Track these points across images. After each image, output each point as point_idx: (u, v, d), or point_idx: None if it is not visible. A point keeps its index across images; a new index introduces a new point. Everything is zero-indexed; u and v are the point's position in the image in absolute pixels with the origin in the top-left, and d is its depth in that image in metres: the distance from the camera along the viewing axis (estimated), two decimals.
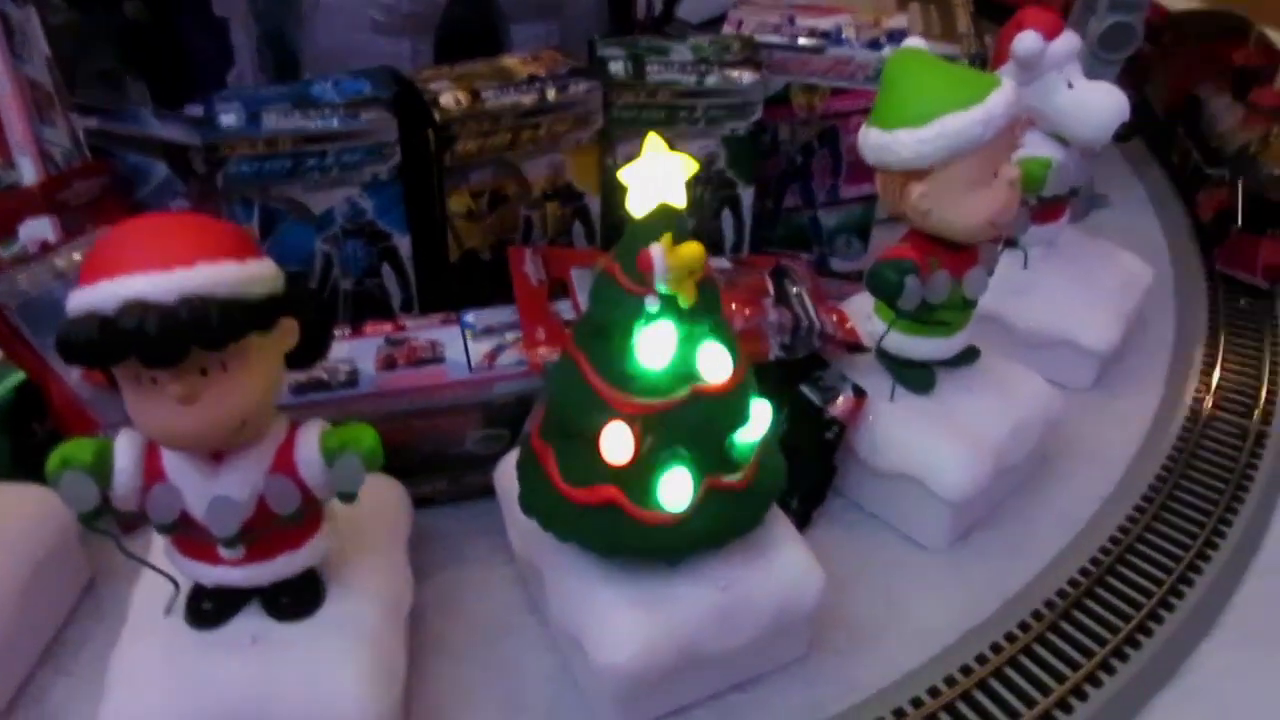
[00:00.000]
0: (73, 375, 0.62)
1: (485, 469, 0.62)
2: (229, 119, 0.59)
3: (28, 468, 0.57)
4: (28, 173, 0.74)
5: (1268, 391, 0.75)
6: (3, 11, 0.72)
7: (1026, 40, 0.68)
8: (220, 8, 0.65)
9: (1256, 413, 0.73)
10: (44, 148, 0.75)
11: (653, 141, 0.45)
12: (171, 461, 0.45)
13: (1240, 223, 0.85)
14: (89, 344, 0.40)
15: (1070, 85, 0.70)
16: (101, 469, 0.44)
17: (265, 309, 0.43)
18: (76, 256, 0.63)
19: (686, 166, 0.45)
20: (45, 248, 0.62)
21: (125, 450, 0.45)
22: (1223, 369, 0.78)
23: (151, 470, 0.45)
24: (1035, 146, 0.72)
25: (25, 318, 0.60)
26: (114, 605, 0.58)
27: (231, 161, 0.59)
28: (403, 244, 0.65)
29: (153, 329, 0.40)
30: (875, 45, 0.71)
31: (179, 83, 0.65)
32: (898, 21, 0.73)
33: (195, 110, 0.62)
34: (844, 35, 0.71)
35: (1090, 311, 0.73)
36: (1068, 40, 0.70)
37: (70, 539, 0.58)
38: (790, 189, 0.77)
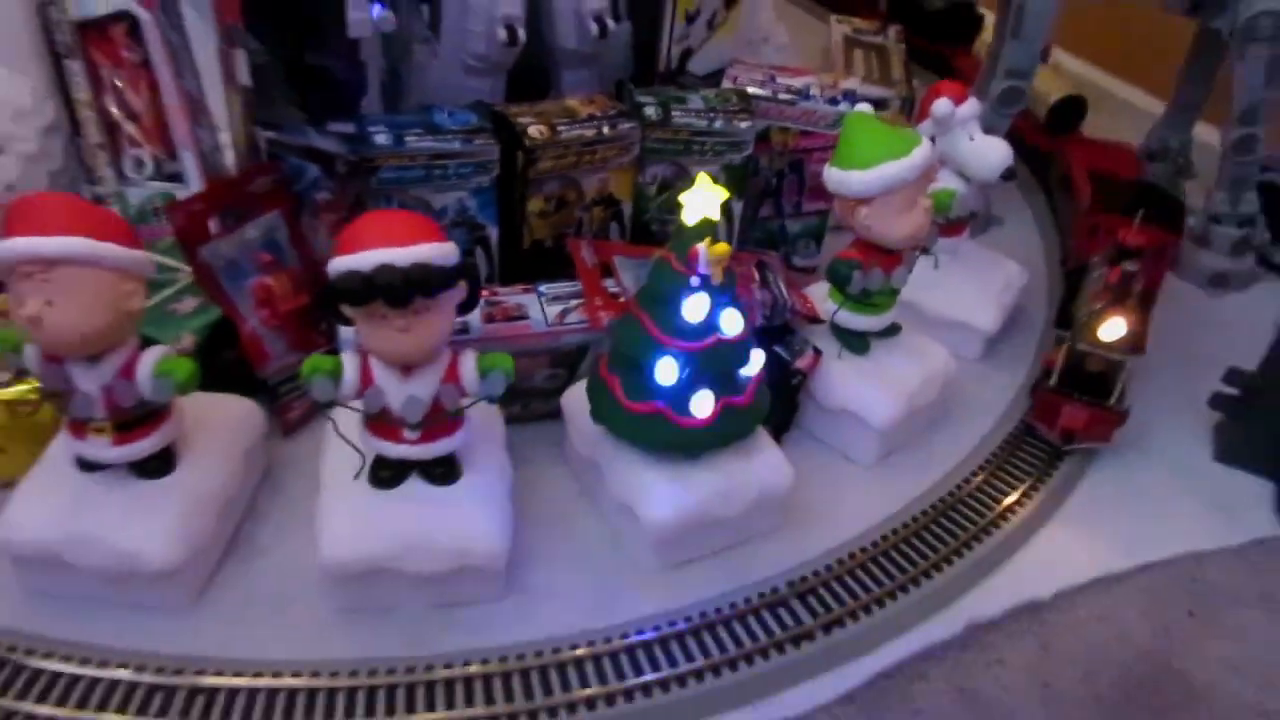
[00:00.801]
0: (252, 318, 0.84)
1: (548, 400, 0.87)
2: (381, 138, 0.82)
3: (220, 383, 0.81)
4: (189, 164, 0.96)
5: None
6: (169, 39, 0.94)
7: (940, 105, 0.95)
8: (362, 53, 0.87)
9: None
10: (199, 145, 0.97)
11: (703, 179, 0.70)
12: (379, 371, 0.69)
13: (1054, 381, 0.90)
14: (353, 290, 0.64)
15: (971, 138, 0.97)
16: (336, 375, 0.68)
17: (454, 273, 0.67)
18: (253, 232, 0.86)
19: (721, 196, 0.70)
20: (229, 227, 0.85)
21: (350, 364, 0.68)
22: None
23: (365, 377, 0.69)
24: (945, 180, 0.99)
25: (225, 274, 0.82)
26: (286, 484, 0.82)
27: (383, 170, 0.82)
28: (493, 233, 0.89)
29: (397, 282, 0.63)
30: (834, 101, 0.97)
31: (327, 105, 0.88)
32: (850, 83, 0.99)
33: (347, 127, 0.85)
34: (810, 92, 0.97)
35: (979, 302, 1.00)
36: (970, 105, 0.97)
37: (260, 435, 0.81)
38: (765, 203, 1.03)
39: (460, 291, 0.69)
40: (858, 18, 1.54)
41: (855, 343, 0.89)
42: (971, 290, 1.01)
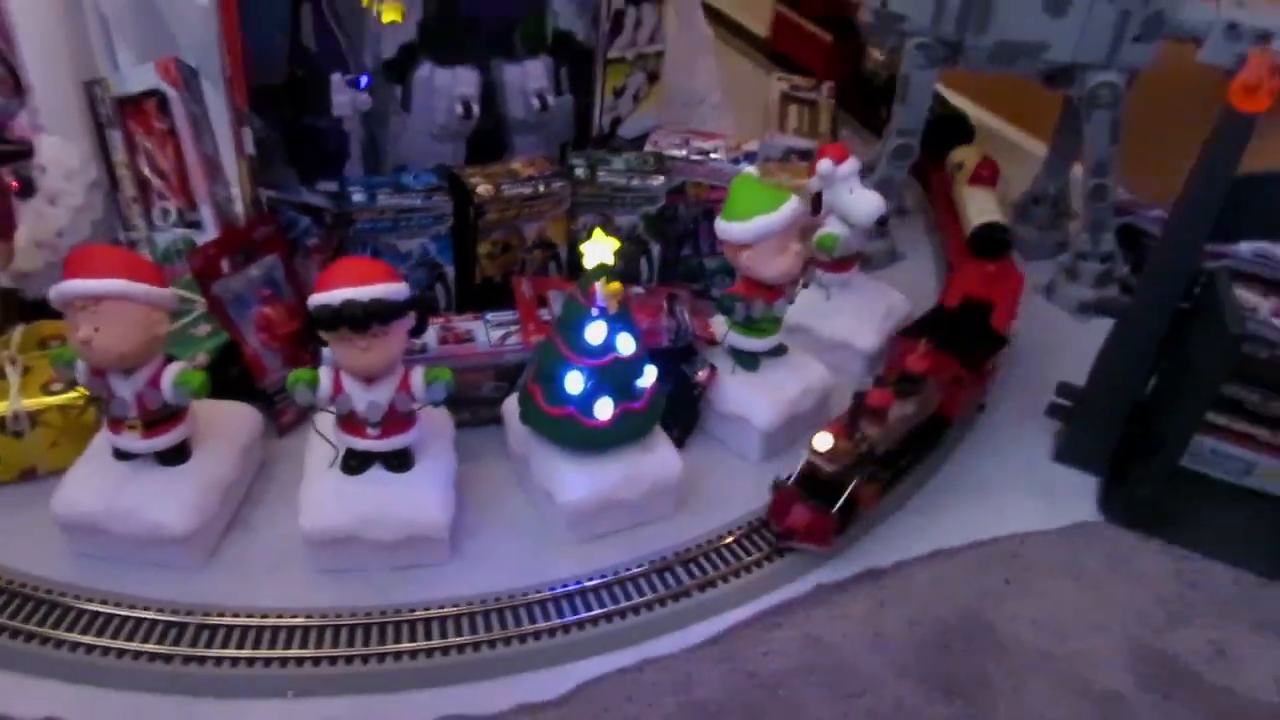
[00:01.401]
0: (253, 340, 1.05)
1: (493, 407, 1.06)
2: (358, 196, 1.03)
3: (228, 392, 1.01)
4: (206, 214, 1.17)
5: None
6: (191, 111, 1.15)
7: (822, 164, 1.15)
8: (346, 125, 1.08)
9: None
10: (215, 198, 1.18)
11: (598, 233, 0.90)
12: (347, 382, 0.89)
13: (790, 479, 0.96)
14: (325, 319, 0.84)
15: (851, 191, 1.17)
16: (313, 385, 0.88)
17: (404, 306, 0.87)
18: (255, 271, 1.06)
19: (614, 245, 0.90)
20: (237, 267, 1.05)
21: (325, 376, 0.89)
22: None
23: (337, 386, 0.89)
24: (831, 226, 1.18)
25: (232, 305, 1.03)
26: (280, 473, 1.02)
27: (360, 221, 1.03)
28: (449, 271, 1.09)
29: (358, 313, 0.84)
30: (736, 161, 1.17)
31: (317, 167, 1.09)
32: (750, 145, 1.19)
33: (331, 186, 1.06)
34: (716, 154, 1.17)
35: (861, 326, 1.20)
36: (850, 164, 1.16)
37: (258, 434, 1.01)
38: (686, 244, 1.23)
39: (410, 320, 0.89)
40: (798, 75, 1.74)
41: (746, 360, 1.09)
42: (855, 316, 1.20)
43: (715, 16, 2.02)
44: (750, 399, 1.07)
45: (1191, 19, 1.16)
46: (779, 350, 1.10)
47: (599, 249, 0.89)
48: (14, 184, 1.24)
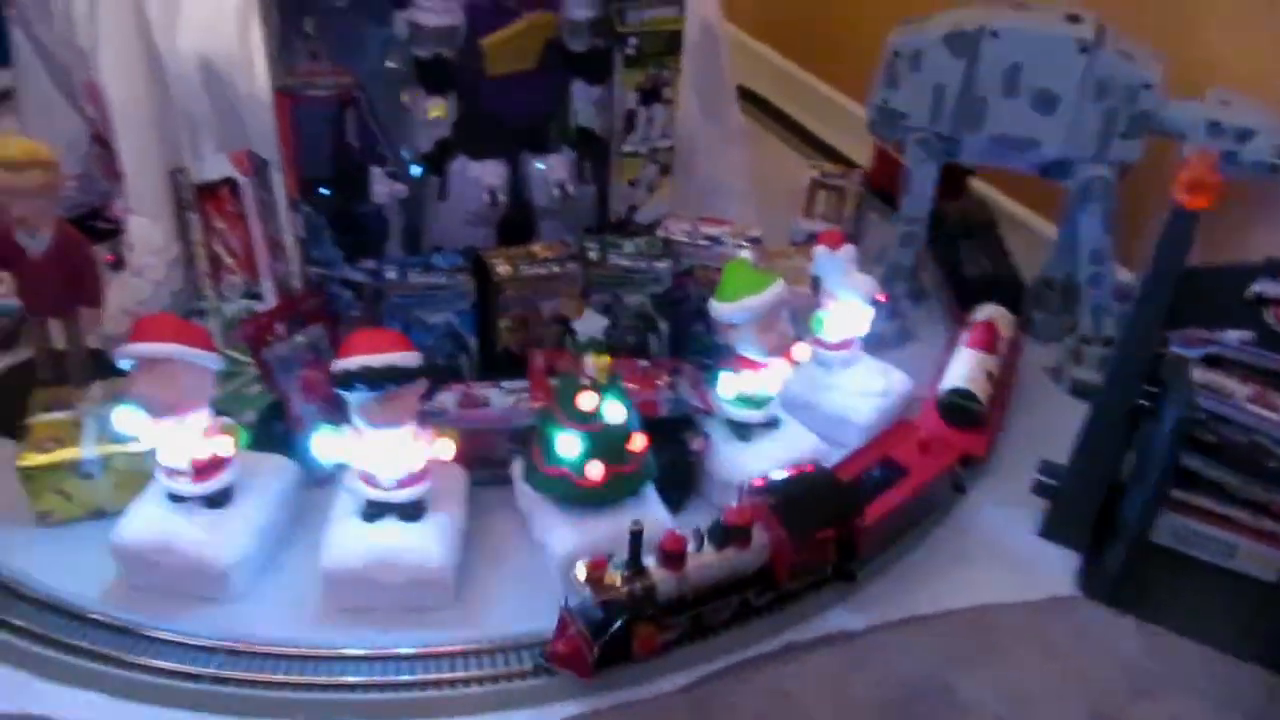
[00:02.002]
0: (296, 401, 1.18)
1: (505, 467, 1.17)
2: (391, 274, 1.16)
3: (271, 446, 1.14)
4: (268, 287, 1.31)
5: None
6: (260, 197, 1.31)
7: (819, 250, 1.24)
8: (386, 211, 1.22)
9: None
10: (276, 274, 1.32)
11: (588, 311, 1.00)
12: (366, 438, 1.01)
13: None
14: (345, 380, 0.96)
15: (846, 274, 1.25)
16: (335, 440, 1.00)
17: (416, 372, 0.99)
18: (301, 339, 1.20)
19: (603, 322, 1.00)
20: (288, 334, 1.19)
21: (347, 433, 1.01)
22: None
23: (356, 443, 1.01)
24: (828, 307, 1.27)
25: (279, 369, 1.16)
26: (313, 520, 1.13)
27: (392, 297, 1.16)
28: (472, 342, 1.21)
29: (373, 376, 0.95)
30: (740, 246, 1.26)
31: (358, 246, 1.22)
32: (754, 232, 1.29)
33: (370, 265, 1.19)
34: (723, 239, 1.27)
35: (859, 403, 1.27)
36: (846, 250, 1.25)
37: (295, 483, 1.13)
38: (698, 322, 1.32)
39: (422, 384, 1.00)
40: (829, 163, 1.84)
41: (739, 430, 1.17)
42: (853, 393, 1.28)
43: (758, 103, 2.15)
44: (741, 466, 1.15)
45: (1175, 117, 1.22)
46: (773, 423, 1.18)
47: (589, 324, 1.00)
48: (109, 258, 1.42)
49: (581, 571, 0.94)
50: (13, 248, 1.15)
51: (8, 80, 1.69)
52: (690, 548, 0.97)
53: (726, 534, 0.99)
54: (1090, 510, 1.13)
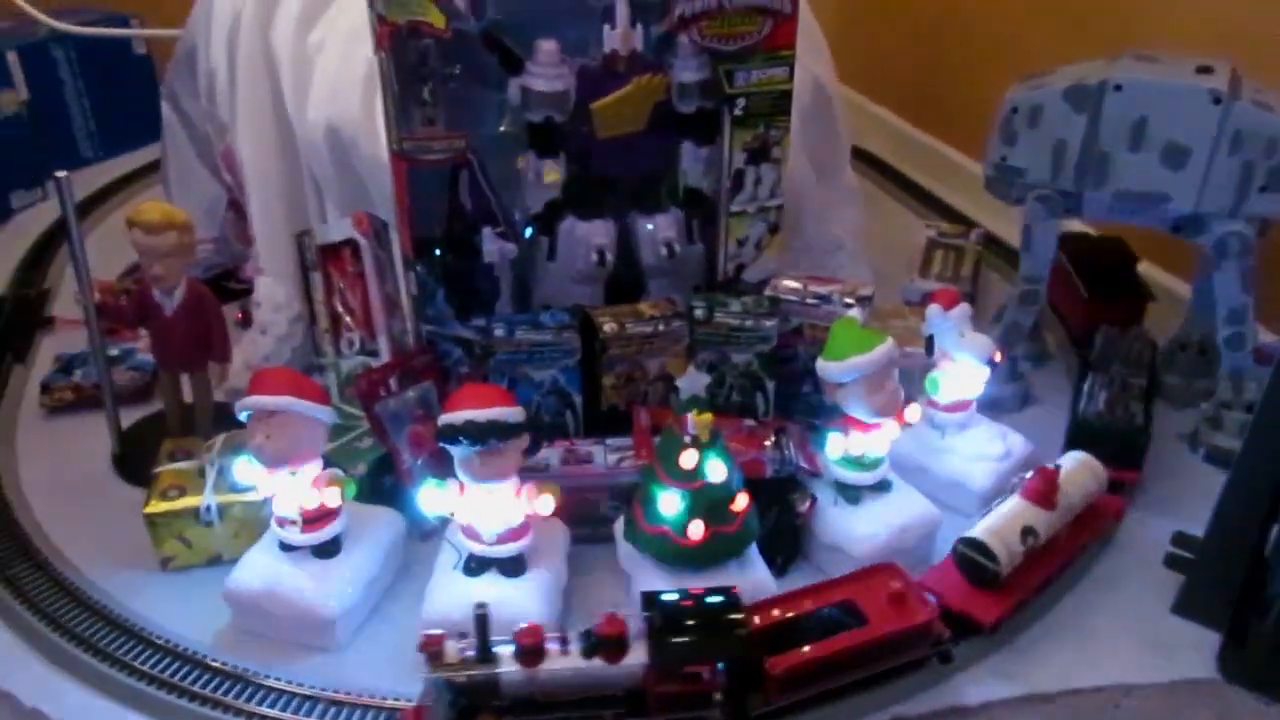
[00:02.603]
0: (405, 455, 1.20)
1: (608, 523, 1.16)
2: (499, 331, 1.18)
3: (381, 499, 1.16)
4: (383, 344, 1.35)
5: None
6: (379, 256, 1.35)
7: (932, 309, 1.20)
8: (496, 270, 1.24)
9: None
10: (391, 331, 1.36)
11: (690, 369, 0.99)
12: (469, 492, 1.01)
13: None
14: (449, 433, 0.97)
15: (961, 335, 1.21)
16: (440, 494, 1.01)
17: (519, 427, 0.99)
18: (411, 394, 1.22)
19: (705, 380, 0.99)
20: (399, 389, 1.22)
21: (451, 488, 1.02)
22: None
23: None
24: (943, 367, 1.23)
25: (390, 423, 1.19)
26: (418, 573, 1.14)
27: (499, 354, 1.18)
28: (577, 400, 1.21)
29: (477, 431, 0.96)
30: (848, 305, 1.24)
31: (472, 305, 1.24)
32: (865, 290, 1.26)
33: (480, 323, 1.21)
34: (833, 297, 1.25)
35: (976, 467, 1.22)
36: (960, 309, 1.21)
37: (401, 536, 1.15)
38: (805, 382, 1.30)
39: (525, 439, 1.01)
40: (946, 223, 1.81)
41: (848, 493, 1.14)
42: (969, 457, 1.23)
43: (879, 166, 2.13)
44: (849, 530, 1.11)
45: None
46: (883, 485, 1.15)
47: (692, 382, 0.99)
48: (239, 315, 1.49)
49: (419, 640, 0.89)
50: (150, 306, 1.22)
51: (156, 152, 1.81)
52: (554, 647, 0.89)
53: (596, 643, 0.89)
54: (1231, 586, 1.05)
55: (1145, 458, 1.24)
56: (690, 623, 0.90)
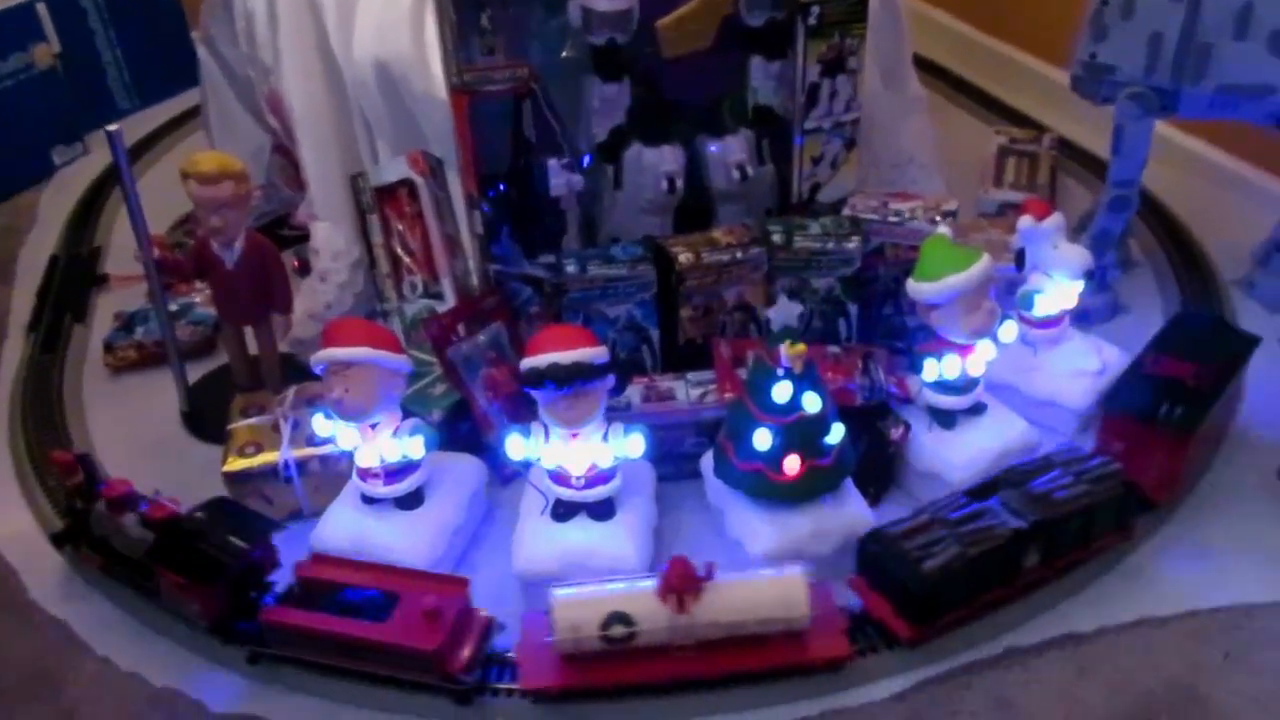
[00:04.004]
0: (480, 400, 1.17)
1: (693, 462, 1.12)
2: (571, 268, 1.13)
3: (457, 445, 1.13)
4: (447, 286, 1.31)
5: None
6: (436, 196, 1.30)
7: (1023, 221, 1.14)
8: (563, 204, 1.19)
9: None
10: (455, 272, 1.32)
11: (782, 297, 0.94)
12: (555, 436, 0.98)
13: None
14: (533, 378, 0.94)
15: (1055, 246, 1.15)
16: (526, 440, 0.98)
17: (603, 369, 0.95)
18: (483, 338, 1.19)
19: (798, 309, 0.94)
20: (469, 332, 1.18)
21: (536, 433, 0.99)
22: None
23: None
24: (1036, 282, 1.17)
25: (464, 368, 1.16)
26: (501, 518, 1.12)
27: (572, 290, 1.13)
28: (654, 335, 1.17)
29: (561, 374, 0.93)
30: (933, 221, 1.18)
31: (538, 241, 1.20)
32: (949, 205, 1.20)
33: (550, 259, 1.17)
34: (915, 214, 1.19)
35: (1071, 384, 1.17)
36: (1054, 219, 1.15)
37: (482, 483, 1.12)
38: (888, 304, 1.25)
39: (610, 381, 0.97)
40: (1016, 128, 1.72)
41: (942, 418, 1.09)
42: (1065, 373, 1.17)
43: (938, 73, 2.04)
44: (946, 457, 1.07)
45: None
46: (977, 408, 1.10)
47: (783, 312, 0.94)
48: (295, 263, 1.46)
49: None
50: (210, 259, 1.19)
51: (196, 98, 1.77)
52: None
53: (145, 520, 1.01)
54: None
55: None
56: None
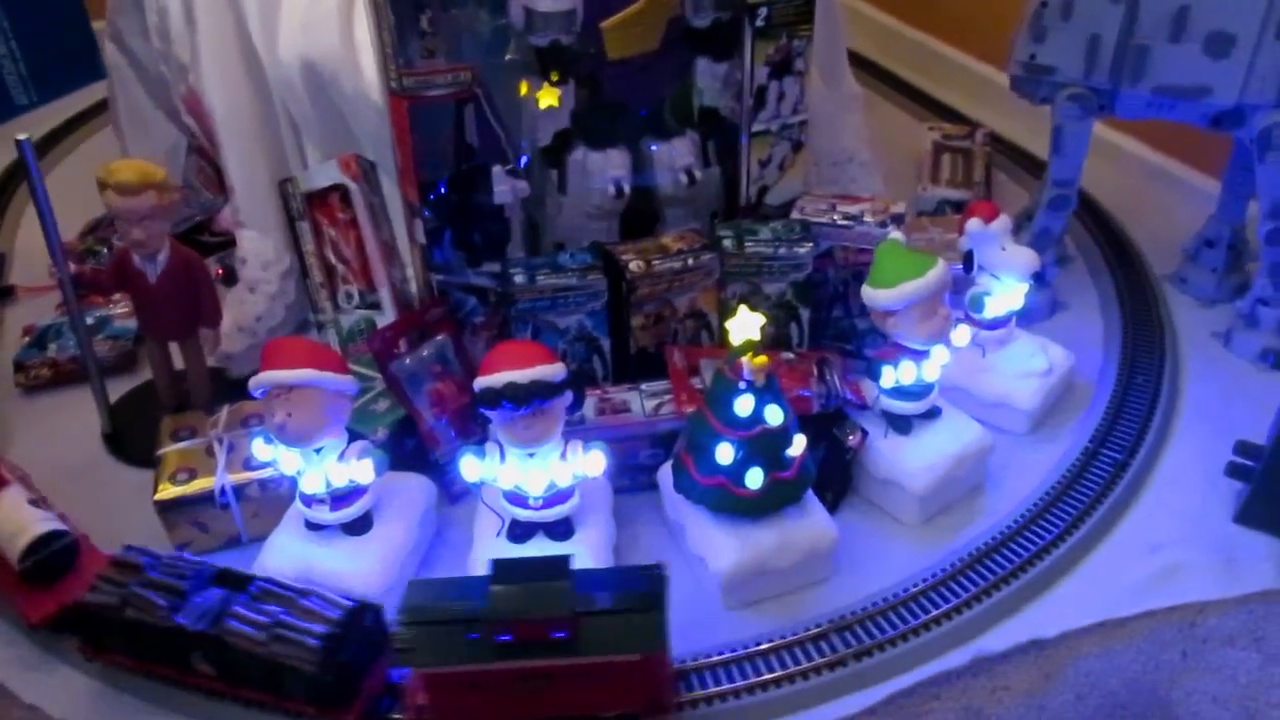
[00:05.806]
0: (427, 416, 1.12)
1: (650, 474, 1.10)
2: (519, 277, 1.10)
3: (403, 463, 1.09)
4: (385, 295, 1.26)
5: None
6: (371, 202, 1.25)
7: (971, 223, 1.14)
8: (507, 211, 1.15)
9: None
10: (393, 281, 1.27)
11: (742, 309, 0.92)
12: (511, 456, 0.95)
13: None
14: (489, 398, 0.90)
15: (1003, 248, 1.16)
16: (481, 461, 0.94)
17: (560, 386, 0.92)
18: (427, 351, 1.14)
19: (760, 321, 0.92)
20: (412, 345, 1.13)
21: (492, 452, 0.95)
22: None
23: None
24: (984, 284, 1.17)
25: (408, 383, 1.11)
26: (452, 538, 1.08)
27: (520, 301, 1.10)
28: (605, 344, 1.14)
29: (520, 393, 0.89)
30: (882, 225, 1.17)
31: (481, 251, 1.16)
32: (897, 208, 1.19)
33: (495, 268, 1.13)
34: (864, 218, 1.18)
35: (1020, 384, 1.17)
36: (1000, 221, 1.15)
37: (432, 503, 1.08)
38: (837, 307, 1.24)
39: (568, 398, 0.94)
40: (948, 124, 1.73)
41: (899, 424, 1.09)
42: (1014, 374, 1.18)
43: (866, 66, 2.04)
44: (903, 463, 1.06)
45: None
46: (932, 413, 1.10)
47: (745, 324, 0.92)
48: (219, 271, 1.39)
49: None
50: (131, 272, 1.12)
51: (100, 92, 1.67)
52: None
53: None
54: None
55: None
56: None
